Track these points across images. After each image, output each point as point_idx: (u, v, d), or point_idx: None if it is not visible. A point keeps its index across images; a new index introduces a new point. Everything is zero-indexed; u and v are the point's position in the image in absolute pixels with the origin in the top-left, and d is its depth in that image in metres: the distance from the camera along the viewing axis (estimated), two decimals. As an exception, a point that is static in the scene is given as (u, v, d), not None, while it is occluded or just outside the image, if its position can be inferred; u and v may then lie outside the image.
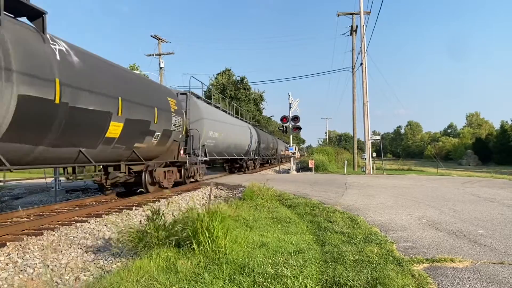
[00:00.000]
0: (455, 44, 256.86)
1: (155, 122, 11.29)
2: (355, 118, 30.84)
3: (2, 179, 7.71)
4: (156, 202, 10.36)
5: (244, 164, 26.24)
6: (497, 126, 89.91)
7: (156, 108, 11.35)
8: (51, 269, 5.17)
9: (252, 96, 55.71)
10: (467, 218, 7.28)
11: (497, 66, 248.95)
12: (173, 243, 5.18)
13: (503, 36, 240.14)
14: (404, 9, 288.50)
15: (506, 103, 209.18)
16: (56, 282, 4.81)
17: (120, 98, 9.27)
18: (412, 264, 4.41)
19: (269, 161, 39.26)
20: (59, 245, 6.23)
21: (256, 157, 29.26)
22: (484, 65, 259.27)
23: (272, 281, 3.93)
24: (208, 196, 7.07)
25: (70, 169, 9.31)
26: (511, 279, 3.92)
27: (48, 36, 7.20)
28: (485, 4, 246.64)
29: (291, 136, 27.37)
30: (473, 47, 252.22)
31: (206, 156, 16.29)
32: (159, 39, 33.67)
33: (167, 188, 12.81)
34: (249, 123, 30.40)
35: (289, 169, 26.73)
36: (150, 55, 34.16)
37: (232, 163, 25.60)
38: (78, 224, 7.56)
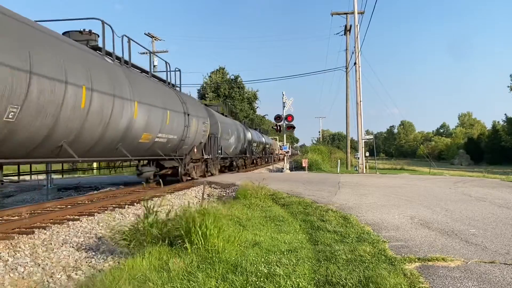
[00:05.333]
0: (452, 44, 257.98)
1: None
2: (348, 118, 30.95)
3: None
4: (150, 200, 10.32)
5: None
6: (489, 126, 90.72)
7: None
8: (42, 268, 5.13)
9: (246, 95, 55.71)
10: (459, 218, 7.34)
11: (490, 66, 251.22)
12: (166, 242, 5.16)
13: (498, 37, 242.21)
14: (399, 9, 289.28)
15: (497, 104, 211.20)
16: (47, 281, 4.77)
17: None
18: (404, 263, 4.44)
19: (262, 160, 39.25)
20: (51, 243, 6.18)
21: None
22: (477, 65, 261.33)
23: (265, 280, 3.92)
24: (202, 195, 7.06)
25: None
26: (501, 278, 3.96)
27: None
28: (486, 3, 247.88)
29: (284, 135, 27.40)
30: (469, 48, 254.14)
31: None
32: (153, 37, 33.46)
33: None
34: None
35: (283, 168, 26.75)
36: (143, 53, 33.98)
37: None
38: (70, 223, 7.50)
